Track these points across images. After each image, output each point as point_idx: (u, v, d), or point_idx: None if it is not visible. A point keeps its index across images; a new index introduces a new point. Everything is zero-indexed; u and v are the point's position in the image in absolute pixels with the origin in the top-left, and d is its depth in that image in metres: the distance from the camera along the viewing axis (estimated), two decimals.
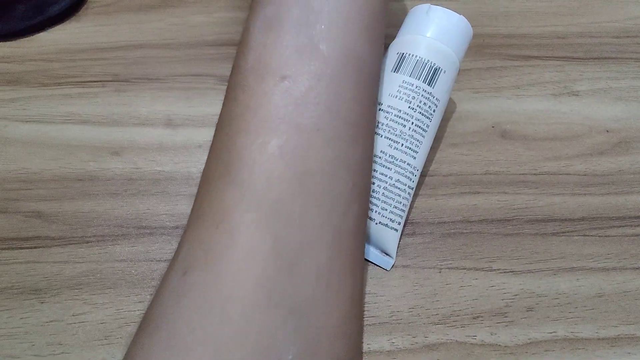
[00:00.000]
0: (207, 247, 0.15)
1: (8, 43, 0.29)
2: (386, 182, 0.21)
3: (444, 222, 0.23)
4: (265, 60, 0.17)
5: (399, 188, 0.21)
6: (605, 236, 0.23)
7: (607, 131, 0.26)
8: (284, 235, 0.15)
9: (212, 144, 0.17)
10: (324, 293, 0.15)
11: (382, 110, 0.21)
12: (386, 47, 0.23)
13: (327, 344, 0.15)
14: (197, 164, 0.24)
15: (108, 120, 0.26)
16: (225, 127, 0.17)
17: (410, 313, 0.20)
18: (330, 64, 0.17)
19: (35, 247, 0.21)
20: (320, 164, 0.16)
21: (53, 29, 0.30)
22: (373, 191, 0.21)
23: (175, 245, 0.22)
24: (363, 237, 0.18)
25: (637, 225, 0.23)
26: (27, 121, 0.25)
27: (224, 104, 0.18)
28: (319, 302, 0.15)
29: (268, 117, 0.16)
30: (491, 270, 0.22)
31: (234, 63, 0.18)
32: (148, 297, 0.20)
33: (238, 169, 0.15)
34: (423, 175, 0.24)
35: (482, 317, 0.20)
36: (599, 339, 0.20)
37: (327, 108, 0.16)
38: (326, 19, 0.17)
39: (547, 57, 0.29)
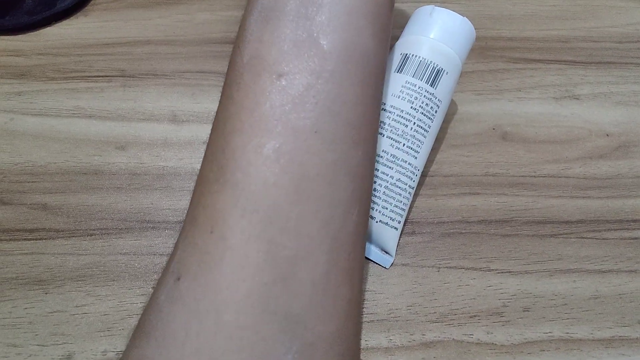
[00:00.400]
0: (201, 252, 0.14)
1: (16, 37, 0.29)
2: (387, 182, 0.21)
3: (444, 222, 0.23)
4: (262, 56, 0.16)
5: (399, 187, 0.21)
6: (603, 239, 0.23)
7: (607, 135, 0.27)
8: (279, 243, 0.14)
9: (208, 142, 0.17)
10: (321, 301, 0.15)
11: (384, 110, 0.21)
12: (390, 47, 0.23)
13: (324, 350, 0.14)
14: (201, 159, 0.25)
15: (114, 115, 0.26)
16: (220, 126, 0.16)
17: (409, 311, 0.21)
18: (331, 60, 0.16)
19: (39, 239, 0.22)
20: (319, 168, 0.15)
21: (60, 23, 0.30)
22: (374, 190, 0.21)
23: None
24: (363, 242, 0.17)
25: (634, 229, 0.23)
26: (33, 114, 0.26)
27: (220, 102, 0.17)
28: (315, 310, 0.14)
29: (264, 117, 0.15)
30: (489, 271, 0.22)
31: (231, 58, 0.17)
32: (150, 290, 0.21)
33: (232, 171, 0.15)
34: (424, 175, 0.24)
35: (479, 316, 0.21)
36: (594, 340, 0.20)
37: (326, 108, 0.15)
38: (327, 10, 0.16)
39: (549, 60, 0.30)
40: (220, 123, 0.16)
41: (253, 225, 0.14)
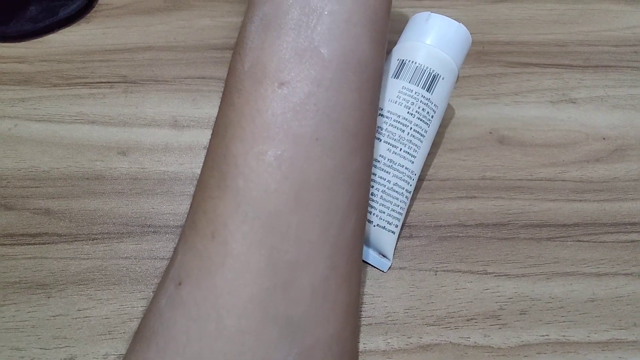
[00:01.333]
0: (202, 258, 0.15)
1: (20, 44, 0.30)
2: (384, 186, 0.21)
3: (441, 226, 0.23)
4: (263, 64, 0.16)
5: (397, 192, 0.21)
6: (599, 242, 0.23)
7: (604, 138, 0.27)
8: (280, 249, 0.14)
9: (208, 148, 0.17)
10: (320, 305, 0.15)
11: (381, 115, 0.22)
12: (387, 53, 0.23)
13: (322, 353, 0.15)
14: (201, 165, 0.25)
15: (116, 121, 0.26)
16: (220, 132, 0.16)
17: (406, 314, 0.21)
18: (331, 68, 0.16)
19: (42, 244, 0.22)
20: (319, 175, 0.15)
21: (63, 30, 0.30)
22: (372, 194, 0.21)
23: None
24: (360, 247, 0.17)
25: (631, 232, 0.23)
26: (37, 120, 0.26)
27: (220, 108, 0.17)
28: (315, 314, 0.15)
29: (265, 125, 0.15)
30: (486, 274, 0.22)
31: (231, 64, 0.17)
32: (151, 294, 0.21)
33: (233, 177, 0.15)
34: (421, 179, 0.25)
35: (476, 319, 0.21)
36: (590, 342, 0.20)
37: (326, 116, 0.16)
38: (327, 19, 0.16)
39: (546, 64, 0.30)
40: (221, 129, 0.16)
41: (254, 231, 0.14)
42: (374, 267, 0.22)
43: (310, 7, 0.16)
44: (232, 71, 0.17)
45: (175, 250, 0.16)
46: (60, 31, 0.30)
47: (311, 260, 0.15)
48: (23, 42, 0.30)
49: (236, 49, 0.18)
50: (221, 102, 0.17)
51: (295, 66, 0.16)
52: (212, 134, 0.17)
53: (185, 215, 0.23)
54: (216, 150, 0.16)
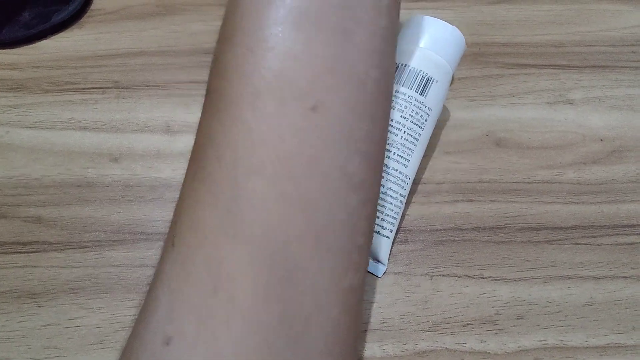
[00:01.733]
0: (201, 315, 0.12)
1: (12, 50, 0.29)
2: None
3: (436, 230, 0.23)
4: (290, 76, 0.13)
5: (391, 196, 0.21)
6: (597, 245, 0.23)
7: (602, 140, 0.26)
8: (295, 301, 0.13)
9: (204, 171, 0.14)
10: (329, 353, 0.14)
11: None
12: None
13: None
14: None
15: (108, 127, 0.26)
16: (226, 157, 0.13)
17: (401, 320, 0.21)
18: (366, 90, 0.14)
19: (33, 252, 0.22)
20: (343, 216, 0.13)
21: (56, 36, 0.30)
22: None
23: None
24: (364, 288, 0.16)
25: (629, 234, 0.23)
26: (29, 127, 0.26)
27: (222, 122, 0.14)
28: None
29: (290, 158, 0.13)
30: (482, 278, 0.22)
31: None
32: (142, 302, 0.21)
33: (249, 224, 0.13)
34: (417, 183, 0.24)
35: (472, 324, 0.20)
36: (588, 347, 0.20)
37: (356, 148, 0.13)
38: (364, 30, 0.14)
39: (542, 65, 0.30)
40: (226, 154, 0.13)
41: (269, 286, 0.13)
42: (369, 272, 0.22)
43: (349, 10, 0.13)
44: (247, 79, 0.13)
45: (156, 284, 0.14)
46: (52, 37, 0.30)
47: (324, 309, 0.13)
48: (15, 49, 0.29)
49: (250, 48, 0.13)
50: (223, 113, 0.14)
51: (330, 86, 0.13)
52: (211, 154, 0.14)
53: None
54: (221, 179, 0.13)
